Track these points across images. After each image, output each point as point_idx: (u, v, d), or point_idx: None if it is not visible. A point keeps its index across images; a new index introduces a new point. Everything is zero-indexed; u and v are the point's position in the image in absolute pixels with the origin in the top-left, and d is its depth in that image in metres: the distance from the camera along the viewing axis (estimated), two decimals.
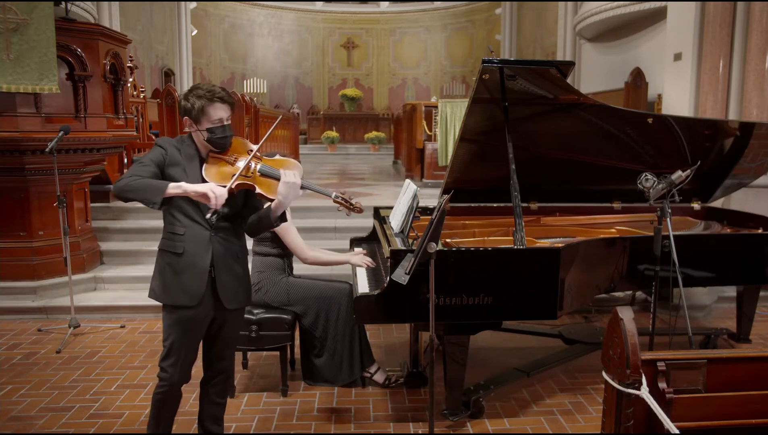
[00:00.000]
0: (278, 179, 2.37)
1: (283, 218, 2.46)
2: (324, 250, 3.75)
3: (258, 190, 2.37)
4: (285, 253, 3.51)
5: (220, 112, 2.36)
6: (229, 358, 2.68)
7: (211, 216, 2.33)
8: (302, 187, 2.40)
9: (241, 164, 2.39)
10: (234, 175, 2.33)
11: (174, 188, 2.21)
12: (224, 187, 2.27)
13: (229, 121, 2.42)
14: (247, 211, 2.51)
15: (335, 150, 15.65)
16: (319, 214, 6.21)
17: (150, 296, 2.49)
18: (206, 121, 2.35)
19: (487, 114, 3.52)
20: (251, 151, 2.44)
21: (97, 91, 5.09)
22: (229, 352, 2.67)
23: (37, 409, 3.30)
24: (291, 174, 2.36)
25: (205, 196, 2.21)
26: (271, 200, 2.38)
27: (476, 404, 3.19)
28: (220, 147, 2.41)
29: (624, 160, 4.00)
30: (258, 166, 2.40)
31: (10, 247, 4.97)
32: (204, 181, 2.32)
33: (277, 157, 2.58)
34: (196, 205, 2.35)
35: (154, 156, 2.34)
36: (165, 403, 2.49)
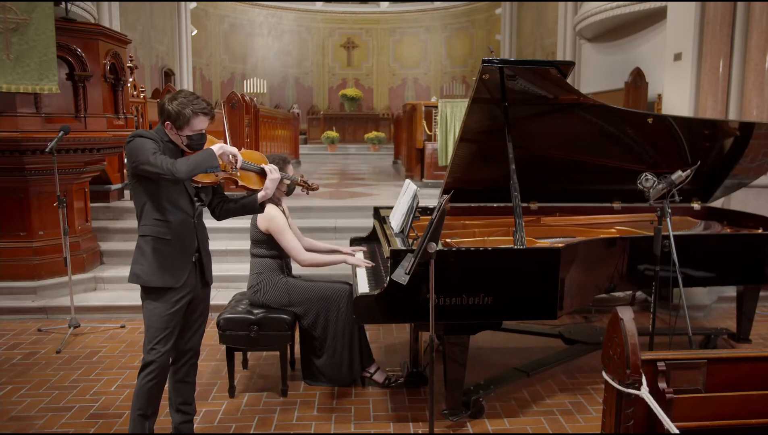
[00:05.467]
0: (257, 172, 2.66)
1: (263, 205, 2.74)
2: (320, 242, 3.77)
3: (240, 183, 2.62)
4: (281, 255, 3.51)
5: (202, 125, 2.51)
6: (201, 335, 2.82)
7: (233, 171, 2.52)
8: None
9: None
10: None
11: (218, 149, 2.41)
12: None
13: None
14: (216, 198, 2.75)
15: (335, 150, 15.64)
16: (319, 214, 6.21)
17: (132, 281, 2.59)
18: (188, 130, 2.49)
19: (487, 114, 3.52)
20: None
21: (97, 91, 5.09)
22: (203, 328, 2.82)
23: (37, 409, 3.30)
24: (273, 169, 2.66)
25: (235, 155, 2.45)
26: (252, 190, 2.65)
27: (476, 404, 3.19)
28: (196, 150, 2.55)
29: (624, 160, 4.00)
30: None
31: (10, 247, 4.97)
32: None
33: (243, 150, 2.77)
34: (185, 195, 2.56)
35: (153, 147, 2.40)
36: (158, 387, 2.59)
